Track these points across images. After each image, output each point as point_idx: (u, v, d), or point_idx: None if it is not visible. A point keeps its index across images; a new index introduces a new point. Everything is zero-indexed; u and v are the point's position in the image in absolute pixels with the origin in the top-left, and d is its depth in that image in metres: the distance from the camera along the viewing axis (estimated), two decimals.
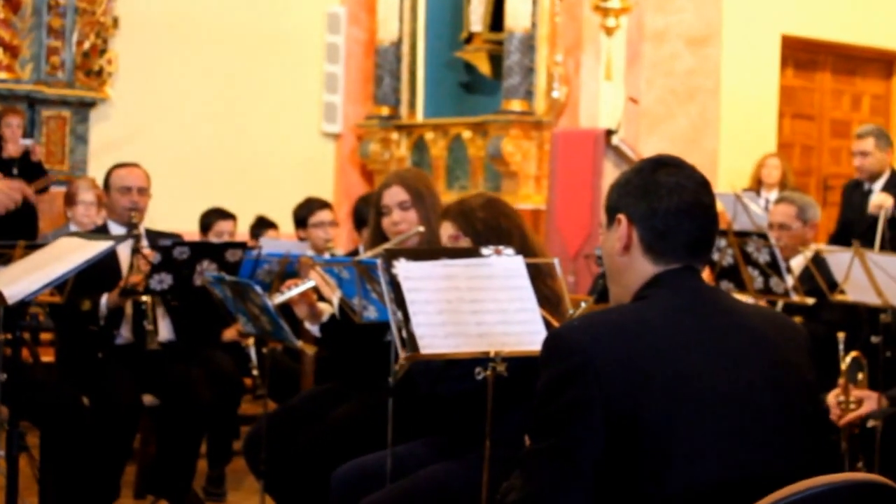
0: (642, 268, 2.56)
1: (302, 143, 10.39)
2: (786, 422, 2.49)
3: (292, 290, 4.39)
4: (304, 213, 6.76)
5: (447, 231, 3.93)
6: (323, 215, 6.66)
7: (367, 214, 5.31)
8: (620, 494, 2.37)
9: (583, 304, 3.57)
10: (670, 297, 2.51)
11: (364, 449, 4.13)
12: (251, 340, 6.10)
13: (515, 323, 3.39)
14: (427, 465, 3.93)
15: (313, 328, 4.53)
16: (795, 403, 2.51)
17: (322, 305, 4.50)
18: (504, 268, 3.42)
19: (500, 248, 3.47)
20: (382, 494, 3.81)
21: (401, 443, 4.01)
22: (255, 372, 6.16)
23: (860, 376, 5.37)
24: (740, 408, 2.43)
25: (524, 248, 3.69)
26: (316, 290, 4.45)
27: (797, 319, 4.99)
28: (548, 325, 3.42)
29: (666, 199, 2.52)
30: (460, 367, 3.73)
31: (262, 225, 7.81)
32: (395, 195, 4.52)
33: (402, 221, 4.49)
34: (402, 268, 3.30)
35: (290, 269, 5.65)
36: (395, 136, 10.26)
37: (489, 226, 3.87)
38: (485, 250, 3.46)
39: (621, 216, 2.57)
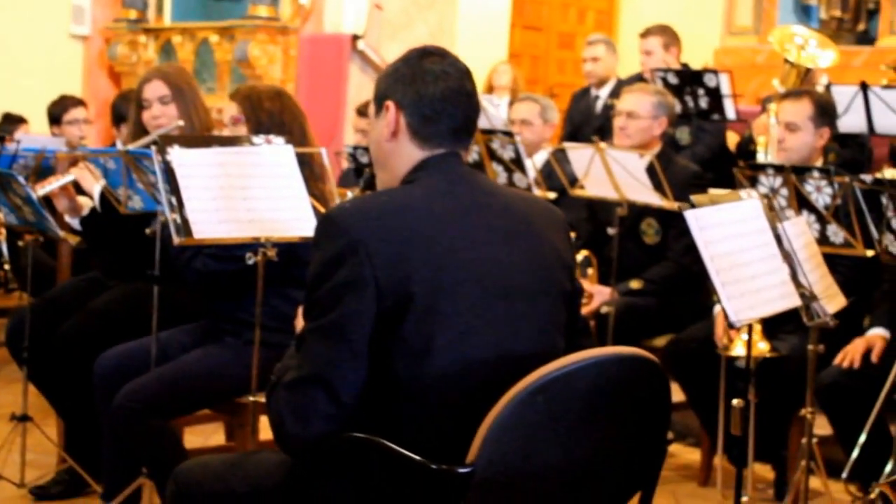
0: (409, 153, 2.63)
1: (50, 44, 10.13)
2: (548, 300, 2.60)
3: (53, 183, 4.42)
4: (59, 111, 6.71)
5: (231, 112, 3.99)
6: (77, 113, 6.63)
7: (124, 111, 5.31)
8: (391, 372, 2.45)
9: (349, 194, 3.68)
10: (437, 180, 2.59)
11: (126, 336, 4.19)
12: (2, 234, 6.01)
13: (285, 210, 3.49)
14: (191, 350, 4.03)
15: (73, 221, 4.55)
16: (557, 282, 2.63)
17: (82, 199, 4.51)
18: (274, 156, 3.53)
19: (271, 137, 3.58)
20: (147, 379, 3.87)
21: (164, 330, 4.08)
22: (6, 266, 6.09)
23: (590, 272, 5.72)
24: (504, 286, 2.53)
25: (302, 145, 3.79)
26: (75, 184, 4.47)
27: None
28: (317, 213, 3.53)
29: (432, 85, 2.60)
30: (217, 246, 3.83)
31: (11, 121, 7.65)
32: (155, 89, 4.55)
33: (162, 116, 4.51)
34: (176, 155, 3.36)
35: (45, 165, 5.61)
36: (142, 39, 10.14)
37: (273, 118, 3.94)
38: (256, 139, 3.57)
39: (389, 103, 2.62)
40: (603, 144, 5.38)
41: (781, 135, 5.11)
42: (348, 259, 2.44)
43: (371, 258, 2.43)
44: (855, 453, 4.50)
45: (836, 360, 4.57)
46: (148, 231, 4.06)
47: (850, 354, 4.55)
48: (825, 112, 5.12)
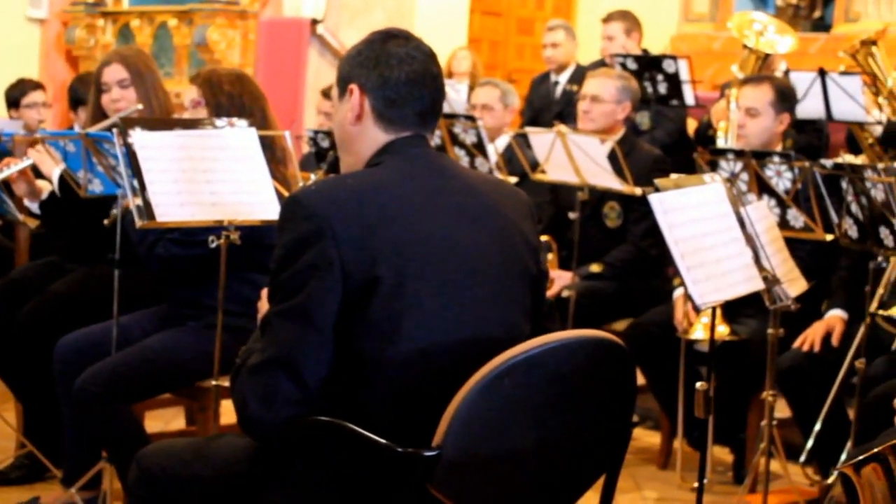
0: (374, 136, 2.61)
1: (7, 27, 10.02)
2: (514, 282, 2.60)
3: (12, 167, 4.39)
4: (17, 94, 6.63)
5: (191, 95, 3.98)
6: (36, 96, 6.57)
7: (81, 94, 5.27)
8: (357, 354, 2.44)
9: (312, 177, 3.67)
10: (402, 163, 2.58)
11: (87, 320, 4.18)
12: None
13: (248, 193, 3.48)
14: (152, 334, 4.02)
15: (32, 205, 4.52)
16: (522, 264, 2.64)
17: (41, 183, 4.48)
18: (237, 139, 3.51)
19: (234, 120, 3.57)
20: (108, 363, 3.86)
21: (125, 314, 4.06)
22: None
23: (550, 257, 5.75)
24: (471, 268, 2.53)
25: (263, 127, 3.78)
26: (34, 168, 4.44)
27: None
28: (280, 197, 3.52)
29: (397, 68, 2.58)
30: (179, 231, 3.83)
31: None
32: (114, 73, 4.52)
33: (122, 99, 4.49)
34: (138, 137, 3.35)
35: (2, 148, 5.56)
36: (100, 22, 10.03)
37: (233, 100, 3.93)
38: (219, 122, 3.55)
39: (353, 86, 2.61)
40: (564, 129, 5.40)
41: (742, 120, 5.13)
42: (314, 242, 2.43)
43: (337, 240, 2.42)
44: (811, 440, 4.56)
45: (796, 344, 4.61)
46: (106, 222, 4.03)
47: (809, 338, 4.59)
48: (785, 97, 5.15)
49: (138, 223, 3.39)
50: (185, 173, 3.40)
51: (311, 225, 2.44)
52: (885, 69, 6.23)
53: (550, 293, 5.38)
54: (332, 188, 2.52)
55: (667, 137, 6.82)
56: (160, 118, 4.30)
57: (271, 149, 3.79)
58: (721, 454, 5.23)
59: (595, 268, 5.51)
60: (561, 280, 5.49)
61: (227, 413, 2.86)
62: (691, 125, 7.13)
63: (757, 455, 4.34)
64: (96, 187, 4.08)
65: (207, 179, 3.43)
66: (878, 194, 4.01)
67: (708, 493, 4.78)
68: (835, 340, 4.56)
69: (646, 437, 5.68)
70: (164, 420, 5.26)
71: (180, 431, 4.84)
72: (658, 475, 5.17)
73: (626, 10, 7.63)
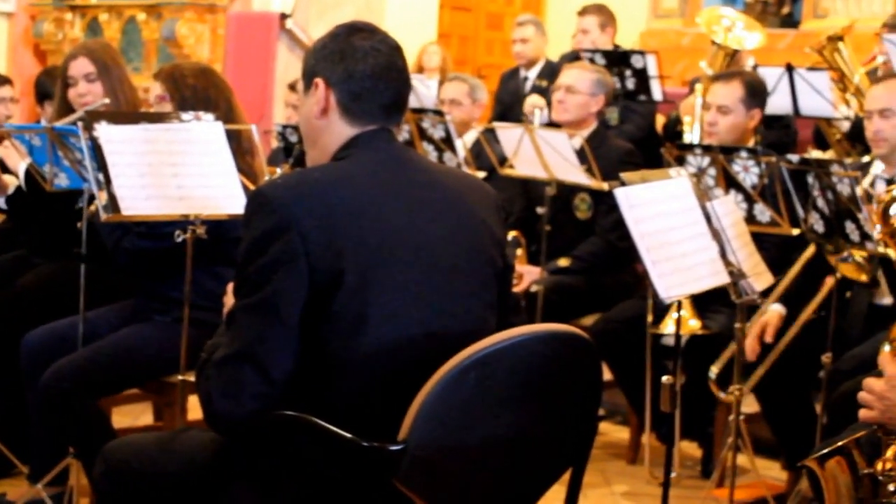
0: (340, 130, 2.61)
1: None
2: (479, 276, 2.60)
3: None
4: None
5: (155, 91, 3.97)
6: (3, 91, 6.46)
7: (48, 88, 5.26)
8: (323, 348, 2.44)
9: (279, 171, 3.66)
10: (368, 157, 2.57)
11: (54, 315, 4.16)
12: None
13: (214, 187, 3.47)
14: (119, 329, 4.01)
15: None
16: (488, 259, 2.63)
17: (7, 178, 4.46)
18: (203, 133, 3.50)
19: (200, 113, 3.56)
20: (74, 358, 3.85)
21: (91, 309, 4.05)
22: None
23: (519, 252, 5.75)
24: (436, 262, 2.52)
25: (229, 119, 3.77)
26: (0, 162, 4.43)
27: None
28: (246, 190, 3.52)
29: (362, 62, 2.58)
30: (146, 225, 3.82)
31: None
32: (81, 67, 4.51)
33: (88, 93, 4.49)
34: (104, 131, 3.34)
35: None
36: (68, 16, 9.98)
37: (198, 94, 3.92)
38: (185, 116, 3.54)
39: (319, 80, 2.60)
40: (534, 124, 5.40)
41: (713, 118, 5.14)
42: (280, 236, 2.42)
43: (303, 234, 2.41)
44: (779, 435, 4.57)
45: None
46: (80, 224, 4.01)
47: (748, 347, 4.54)
48: (756, 93, 5.16)
49: (103, 216, 3.38)
50: (151, 167, 3.40)
51: (276, 219, 2.43)
52: (851, 65, 6.26)
53: (519, 289, 5.39)
54: (298, 182, 2.52)
55: (635, 132, 6.83)
56: (126, 112, 4.30)
57: (238, 140, 3.78)
58: (690, 449, 5.25)
59: (563, 262, 5.52)
60: (530, 275, 5.50)
61: (195, 408, 2.85)
62: (660, 121, 7.14)
63: (725, 449, 4.35)
64: (62, 181, 4.07)
65: (174, 173, 3.43)
66: (844, 189, 4.03)
67: (677, 487, 4.82)
68: (768, 337, 4.55)
69: (615, 432, 5.69)
70: (132, 416, 5.24)
71: (148, 427, 4.83)
72: (627, 470, 5.19)
73: (602, 5, 7.64)
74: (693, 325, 4.69)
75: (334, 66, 2.60)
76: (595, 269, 5.52)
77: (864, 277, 4.17)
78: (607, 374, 5.09)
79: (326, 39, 2.65)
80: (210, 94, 3.94)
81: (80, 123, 3.41)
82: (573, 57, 7.18)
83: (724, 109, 5.11)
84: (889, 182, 4.43)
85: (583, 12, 7.67)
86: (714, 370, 4.63)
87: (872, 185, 4.51)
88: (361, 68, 2.59)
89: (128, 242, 3.87)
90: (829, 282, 4.33)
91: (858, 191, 3.98)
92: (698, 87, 6.18)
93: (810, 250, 4.52)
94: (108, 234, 3.88)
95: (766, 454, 5.05)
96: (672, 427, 4.33)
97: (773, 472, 4.95)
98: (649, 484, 4.94)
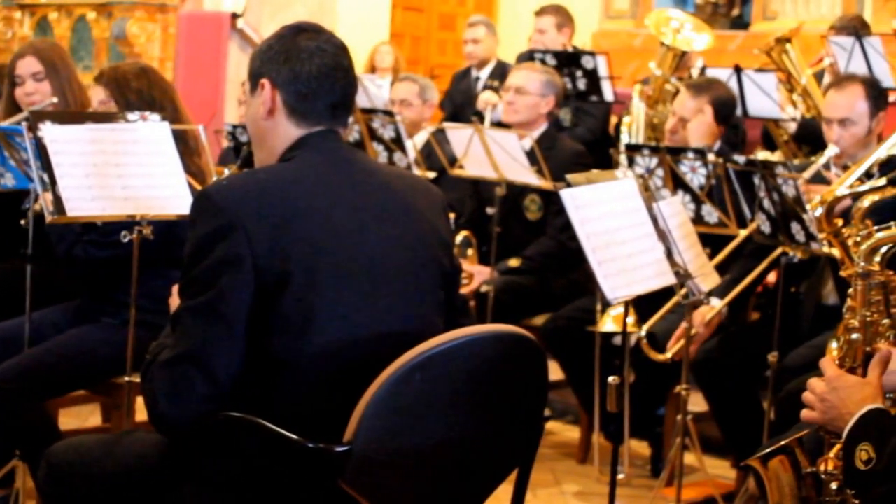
0: (286, 131, 2.61)
1: None
2: (426, 278, 2.61)
3: None
4: None
5: (98, 96, 3.94)
6: None
7: None
8: (269, 349, 2.44)
9: (227, 171, 3.65)
10: (315, 158, 2.58)
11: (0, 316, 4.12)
12: None
13: (161, 187, 3.45)
14: (65, 330, 3.97)
15: None
16: (435, 261, 2.64)
17: None
18: (150, 133, 3.48)
19: (147, 114, 3.54)
20: (20, 359, 3.81)
21: (37, 310, 4.01)
22: None
23: (470, 252, 5.76)
24: (382, 264, 2.52)
25: (175, 120, 3.75)
26: None
27: None
28: (193, 191, 3.51)
29: (307, 62, 2.58)
30: (97, 232, 3.80)
31: None
32: (28, 66, 4.48)
33: (36, 93, 4.46)
34: (48, 131, 3.31)
35: None
36: (17, 14, 9.91)
37: (142, 96, 3.89)
38: (131, 116, 3.52)
39: (265, 81, 2.60)
40: (484, 124, 5.42)
41: (675, 126, 5.18)
42: (225, 237, 2.42)
43: (248, 236, 2.41)
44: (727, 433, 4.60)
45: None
46: (23, 222, 3.97)
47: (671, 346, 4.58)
48: (727, 110, 5.22)
49: (48, 218, 3.35)
50: (97, 167, 3.37)
51: (221, 220, 2.43)
52: (799, 67, 6.32)
53: (469, 289, 5.40)
54: (244, 183, 2.52)
55: (588, 134, 6.86)
56: (71, 112, 4.26)
57: (184, 140, 3.76)
58: (638, 448, 5.27)
59: (514, 262, 5.53)
60: (480, 276, 5.51)
61: (142, 410, 2.83)
62: (614, 122, 7.18)
63: (673, 448, 4.38)
64: (8, 181, 4.04)
65: (119, 174, 3.40)
66: (790, 190, 4.06)
67: (626, 486, 4.84)
68: (701, 328, 4.58)
69: (565, 432, 5.71)
70: (80, 417, 5.20)
71: (96, 428, 4.80)
72: (577, 469, 5.20)
73: (560, 5, 7.66)
74: (630, 322, 4.71)
75: (280, 67, 2.60)
76: (546, 270, 5.54)
77: None
78: (558, 374, 5.11)
79: (272, 40, 2.66)
80: (155, 96, 3.92)
81: (24, 123, 3.38)
82: (529, 57, 7.20)
83: (683, 120, 5.16)
84: (845, 168, 4.47)
85: (540, 12, 7.69)
86: (645, 328, 4.65)
87: (827, 166, 4.54)
88: (307, 69, 2.59)
89: (80, 250, 3.85)
90: (773, 278, 4.37)
91: (810, 172, 3.99)
92: (636, 87, 6.23)
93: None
94: (58, 241, 3.84)
95: (716, 453, 5.08)
96: (620, 426, 4.36)
97: (722, 471, 4.98)
98: (599, 483, 4.96)
